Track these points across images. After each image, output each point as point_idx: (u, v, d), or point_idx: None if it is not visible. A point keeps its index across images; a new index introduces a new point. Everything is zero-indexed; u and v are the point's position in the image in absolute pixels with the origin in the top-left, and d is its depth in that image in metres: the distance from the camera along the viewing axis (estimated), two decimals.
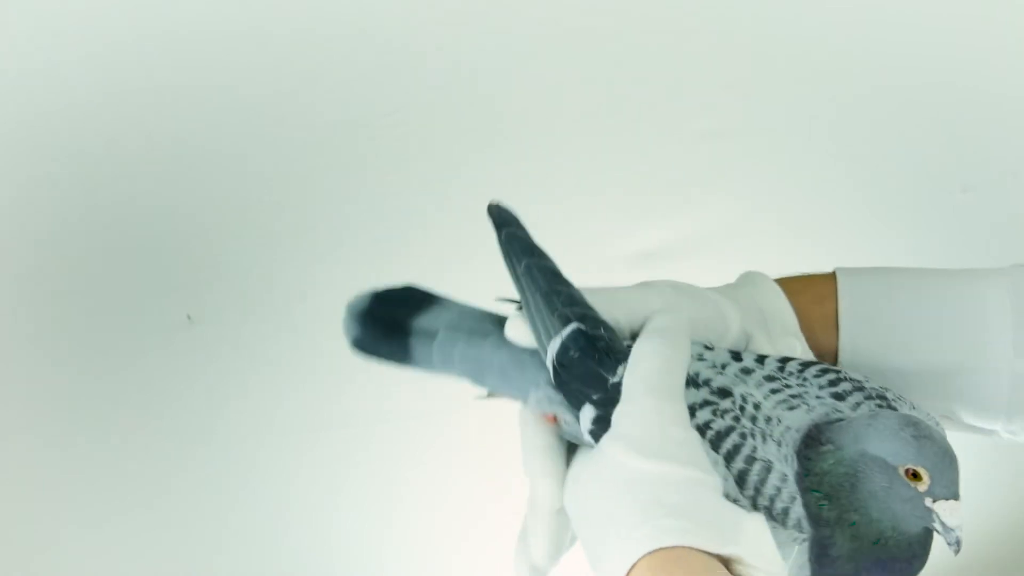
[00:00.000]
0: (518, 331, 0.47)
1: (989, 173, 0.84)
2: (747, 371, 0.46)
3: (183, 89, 0.83)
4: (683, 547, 0.39)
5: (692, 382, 0.45)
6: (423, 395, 0.82)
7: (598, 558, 0.41)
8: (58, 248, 0.83)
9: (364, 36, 0.84)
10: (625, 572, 0.39)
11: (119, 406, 0.83)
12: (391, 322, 0.50)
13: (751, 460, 0.43)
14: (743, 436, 0.43)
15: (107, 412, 0.83)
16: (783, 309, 0.51)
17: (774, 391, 0.45)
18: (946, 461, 0.42)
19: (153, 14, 0.82)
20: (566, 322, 0.45)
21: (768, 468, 0.43)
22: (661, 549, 0.39)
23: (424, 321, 0.50)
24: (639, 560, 0.39)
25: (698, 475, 0.41)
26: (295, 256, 0.85)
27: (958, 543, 0.42)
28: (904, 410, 0.45)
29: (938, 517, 0.42)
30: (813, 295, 0.53)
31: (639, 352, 0.45)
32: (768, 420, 0.44)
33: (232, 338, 0.84)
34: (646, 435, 0.42)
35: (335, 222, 0.84)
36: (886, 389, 0.46)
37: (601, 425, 0.44)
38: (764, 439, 0.43)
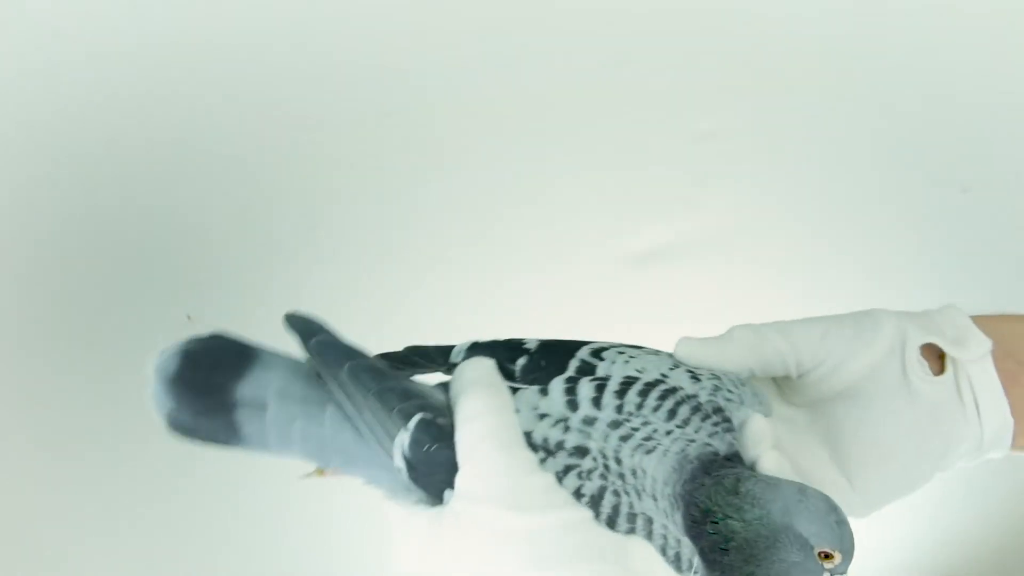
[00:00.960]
0: None
1: (989, 173, 0.84)
2: (589, 421, 0.44)
3: (183, 89, 0.83)
4: None
5: (544, 448, 0.42)
6: None
7: None
8: (58, 248, 0.83)
9: (364, 36, 0.84)
10: None
11: (119, 406, 0.83)
12: (209, 390, 0.45)
13: (632, 518, 0.42)
14: (616, 494, 0.42)
15: (107, 412, 0.83)
16: (968, 327, 0.49)
17: (624, 438, 0.44)
18: (854, 545, 0.44)
19: (153, 14, 0.82)
20: (408, 417, 0.43)
21: (650, 521, 0.42)
22: None
23: (248, 388, 0.45)
24: None
25: (569, 515, 0.40)
26: (295, 257, 0.85)
27: None
28: (738, 416, 0.46)
29: None
30: (1001, 318, 0.51)
31: (467, 412, 0.43)
32: (633, 473, 0.43)
33: None
34: (505, 490, 0.40)
35: (335, 222, 0.84)
36: (716, 395, 0.46)
37: None
38: (638, 494, 0.43)
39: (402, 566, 0.44)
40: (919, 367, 0.47)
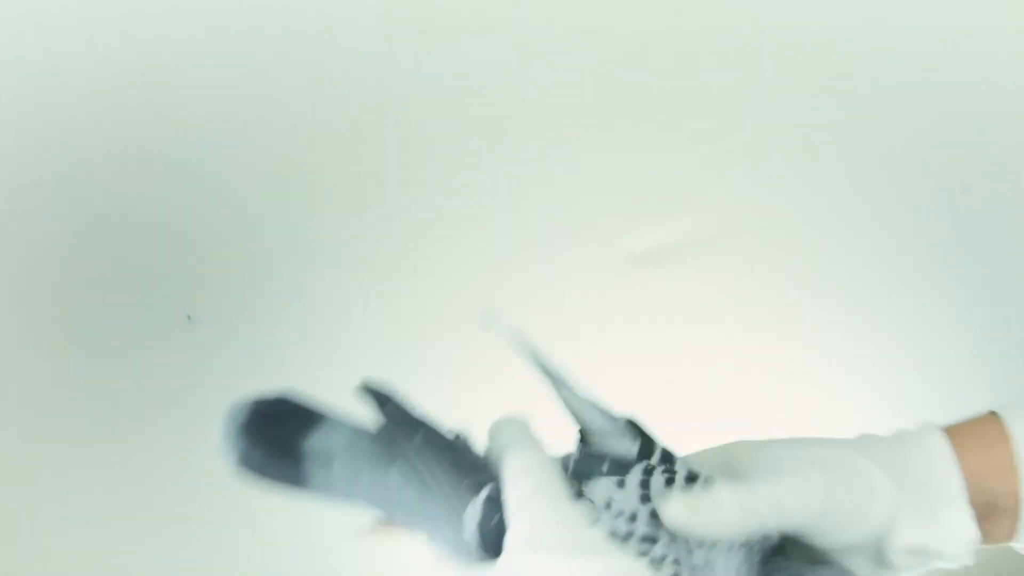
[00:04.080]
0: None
1: (989, 173, 0.84)
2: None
3: (183, 89, 0.83)
4: None
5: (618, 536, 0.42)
6: (423, 395, 0.82)
7: None
8: (58, 248, 0.83)
9: (365, 36, 0.84)
10: None
11: (119, 406, 0.83)
12: (279, 441, 0.47)
13: None
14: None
15: (107, 412, 0.83)
16: (950, 474, 0.46)
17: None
18: None
19: (154, 13, 0.82)
20: (477, 489, 0.44)
21: None
22: None
23: (316, 442, 0.47)
24: None
25: (626, 563, 0.40)
26: (295, 256, 0.85)
27: None
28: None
29: None
30: (980, 443, 0.48)
31: (514, 470, 0.43)
32: (707, 564, 0.43)
33: (232, 338, 0.84)
34: (560, 539, 0.40)
35: (335, 222, 0.84)
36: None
37: None
38: None
39: None
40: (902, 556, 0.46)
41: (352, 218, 0.84)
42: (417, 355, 0.83)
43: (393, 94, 0.85)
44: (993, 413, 0.49)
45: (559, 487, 0.43)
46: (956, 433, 0.49)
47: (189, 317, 0.84)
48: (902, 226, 0.85)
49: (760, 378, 0.87)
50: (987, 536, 0.48)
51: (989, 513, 0.48)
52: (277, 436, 0.47)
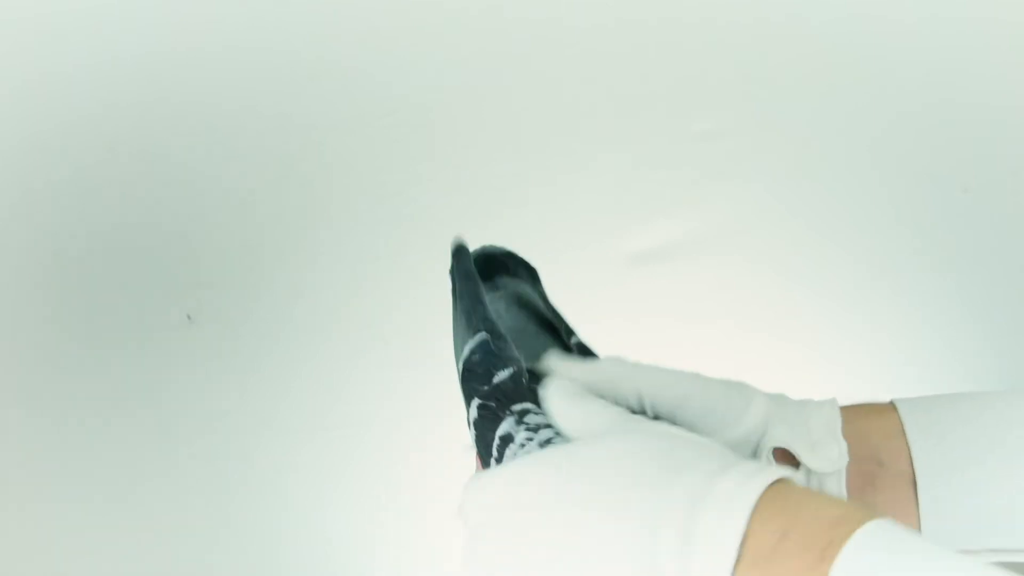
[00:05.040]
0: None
1: (989, 173, 0.84)
2: None
3: (183, 90, 0.83)
4: (782, 479, 0.37)
5: None
6: (422, 395, 0.82)
7: (658, 537, 0.37)
8: (58, 248, 0.83)
9: (364, 36, 0.84)
10: (746, 516, 0.36)
11: (119, 406, 0.83)
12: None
13: None
14: None
15: (107, 411, 0.83)
16: (831, 416, 0.48)
17: None
18: None
19: (154, 13, 0.82)
20: (477, 331, 0.50)
21: None
22: (772, 484, 0.37)
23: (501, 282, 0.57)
24: (758, 499, 0.37)
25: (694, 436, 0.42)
26: (295, 256, 0.85)
27: None
28: None
29: None
30: (869, 409, 0.50)
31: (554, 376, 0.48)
32: None
33: (232, 338, 0.84)
34: (638, 424, 0.44)
35: (335, 222, 0.84)
36: None
37: (483, 413, 0.48)
38: None
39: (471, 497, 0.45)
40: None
41: (352, 218, 0.84)
42: (418, 355, 0.83)
43: (394, 95, 0.85)
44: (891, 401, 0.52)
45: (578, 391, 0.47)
46: (849, 406, 0.50)
47: (189, 317, 0.84)
48: (902, 226, 0.85)
49: (758, 378, 0.87)
50: (881, 496, 0.49)
51: (876, 470, 0.49)
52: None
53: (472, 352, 0.50)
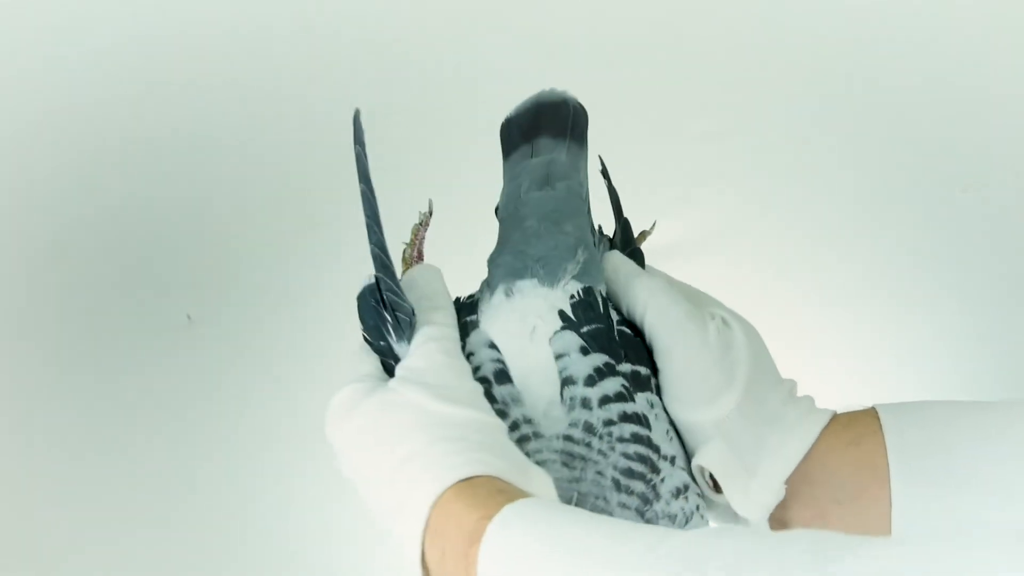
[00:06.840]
0: None
1: (989, 173, 0.84)
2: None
3: (183, 90, 0.83)
4: (491, 476, 0.42)
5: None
6: None
7: (396, 493, 0.44)
8: (58, 248, 0.83)
9: (364, 36, 0.84)
10: (433, 499, 0.42)
11: (119, 406, 0.83)
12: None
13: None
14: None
15: (107, 412, 0.83)
16: (794, 452, 0.50)
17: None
18: None
19: (155, 13, 0.82)
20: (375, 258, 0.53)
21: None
22: (473, 477, 0.42)
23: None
24: (449, 487, 0.42)
25: (492, 420, 0.46)
26: (295, 256, 0.85)
27: None
28: None
29: None
30: (850, 415, 0.52)
31: (429, 320, 0.50)
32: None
33: (232, 338, 0.84)
34: (444, 384, 0.46)
35: (335, 222, 0.84)
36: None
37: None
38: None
39: (331, 421, 0.51)
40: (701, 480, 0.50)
41: (352, 218, 0.84)
42: None
43: (394, 94, 0.85)
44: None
45: (456, 344, 0.50)
46: (833, 429, 0.52)
47: (189, 317, 0.84)
48: (901, 226, 0.85)
49: None
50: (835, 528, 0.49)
51: (830, 508, 0.49)
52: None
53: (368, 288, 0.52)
